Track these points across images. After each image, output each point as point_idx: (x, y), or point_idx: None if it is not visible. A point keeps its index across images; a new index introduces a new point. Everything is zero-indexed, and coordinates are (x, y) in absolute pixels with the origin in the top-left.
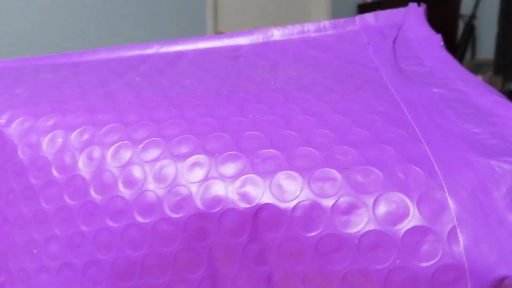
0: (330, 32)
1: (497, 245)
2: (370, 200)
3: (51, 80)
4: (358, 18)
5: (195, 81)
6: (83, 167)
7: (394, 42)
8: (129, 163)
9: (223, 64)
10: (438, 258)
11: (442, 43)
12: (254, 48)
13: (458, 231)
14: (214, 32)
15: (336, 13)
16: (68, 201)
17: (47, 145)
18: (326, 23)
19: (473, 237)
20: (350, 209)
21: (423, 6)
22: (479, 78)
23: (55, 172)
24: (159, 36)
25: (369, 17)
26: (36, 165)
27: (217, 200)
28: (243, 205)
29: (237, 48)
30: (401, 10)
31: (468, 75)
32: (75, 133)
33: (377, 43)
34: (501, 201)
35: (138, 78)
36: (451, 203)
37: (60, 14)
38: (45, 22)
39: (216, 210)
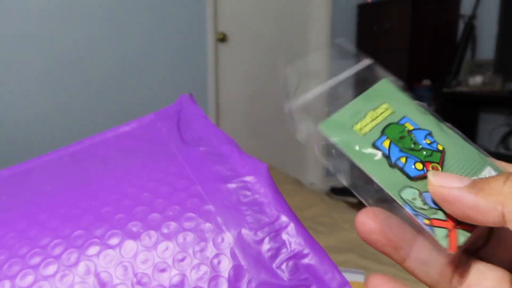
0: (135, 125)
1: (237, 215)
2: (178, 220)
3: None
4: (153, 114)
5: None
6: None
7: (178, 123)
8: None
9: (65, 168)
10: (210, 233)
11: (204, 114)
12: (85, 149)
13: (219, 219)
14: (214, 32)
15: (336, 13)
16: None
17: None
18: (134, 121)
19: (226, 219)
20: (174, 232)
21: (190, 95)
22: (479, 78)
23: None
24: (158, 36)
25: (161, 111)
26: None
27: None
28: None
29: (72, 153)
30: (177, 102)
31: (221, 134)
32: None
33: (168, 125)
34: (235, 198)
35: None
36: (212, 209)
37: (60, 14)
38: (45, 22)
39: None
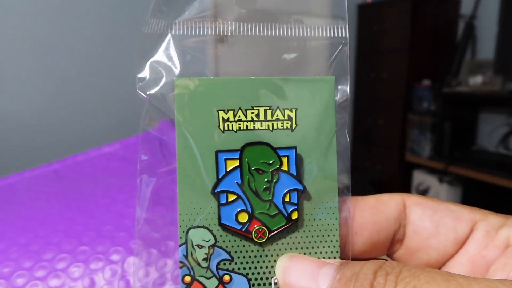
0: (118, 146)
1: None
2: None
3: None
4: (135, 137)
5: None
6: None
7: (160, 147)
8: None
9: (51, 185)
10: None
11: None
12: (69, 167)
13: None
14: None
15: (336, 13)
16: None
17: None
18: (117, 143)
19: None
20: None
21: (171, 120)
22: (479, 78)
23: None
24: None
25: (143, 134)
26: None
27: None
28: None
29: (55, 170)
30: (158, 127)
31: None
32: None
33: (151, 149)
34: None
35: None
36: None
37: (60, 14)
38: (45, 22)
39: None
